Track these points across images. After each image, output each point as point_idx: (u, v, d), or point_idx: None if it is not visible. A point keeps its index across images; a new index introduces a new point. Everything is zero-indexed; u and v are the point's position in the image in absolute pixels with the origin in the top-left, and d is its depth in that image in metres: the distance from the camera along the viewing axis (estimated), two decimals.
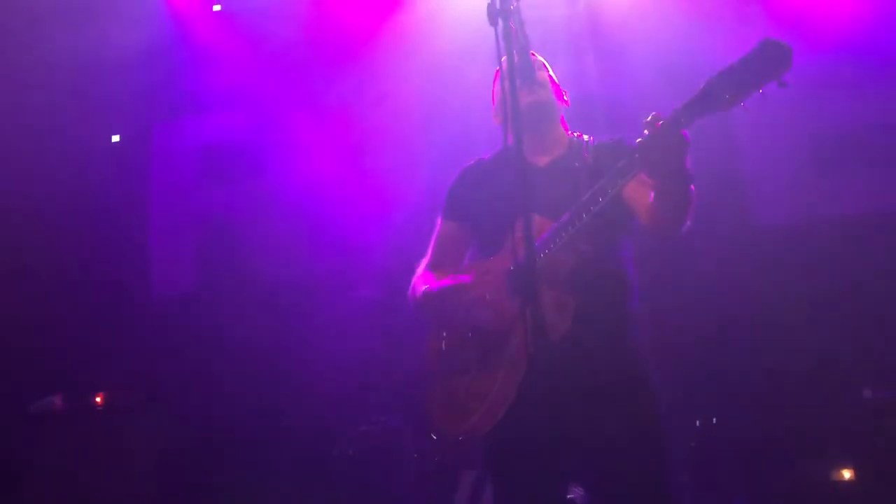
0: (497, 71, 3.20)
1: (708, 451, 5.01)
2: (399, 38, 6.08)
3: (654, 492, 2.64)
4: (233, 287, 6.53)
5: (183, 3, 6.57)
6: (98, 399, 5.93)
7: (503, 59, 2.24)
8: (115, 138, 6.84)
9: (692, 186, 2.57)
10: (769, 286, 5.23)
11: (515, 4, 2.36)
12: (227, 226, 6.71)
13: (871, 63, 5.50)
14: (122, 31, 5.96)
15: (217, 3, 6.72)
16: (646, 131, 2.44)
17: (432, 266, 3.17)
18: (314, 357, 6.05)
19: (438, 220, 3.25)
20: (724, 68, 2.34)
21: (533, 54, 3.09)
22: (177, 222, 6.79)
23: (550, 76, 3.16)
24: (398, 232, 6.31)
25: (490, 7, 2.34)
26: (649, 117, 2.44)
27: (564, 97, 3.18)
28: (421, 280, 3.11)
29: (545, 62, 3.22)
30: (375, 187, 6.41)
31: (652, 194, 2.64)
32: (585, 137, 3.12)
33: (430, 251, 3.23)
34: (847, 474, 4.71)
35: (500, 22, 2.33)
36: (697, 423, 5.03)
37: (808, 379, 5.06)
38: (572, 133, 3.16)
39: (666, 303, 5.25)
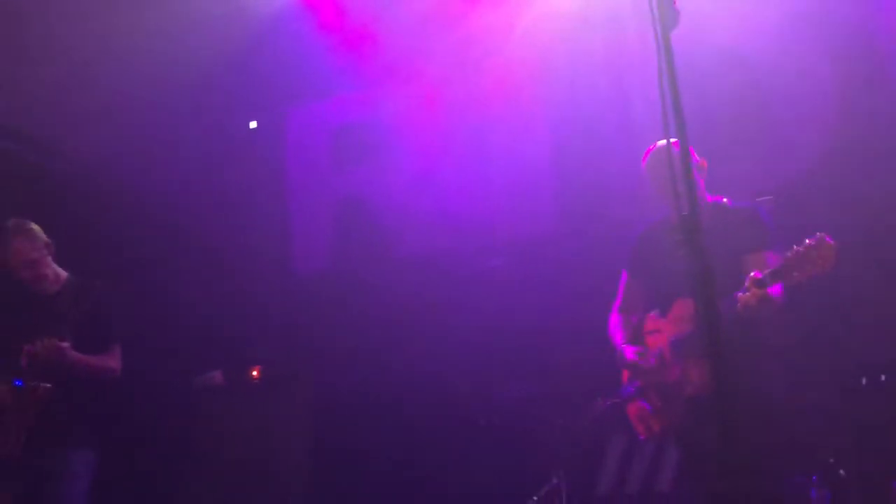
0: (649, 151, 3.74)
1: None
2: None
3: None
4: (369, 262, 6.75)
5: None
6: (255, 373, 6.33)
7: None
8: (253, 125, 7.16)
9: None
10: None
11: None
12: (360, 203, 6.92)
13: None
14: (258, 25, 6.19)
15: None
16: (749, 288, 3.22)
17: (621, 309, 4.04)
18: (451, 327, 6.21)
19: (623, 272, 4.04)
20: (796, 252, 3.13)
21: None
22: (313, 202, 7.05)
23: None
24: (523, 198, 6.37)
25: None
26: (749, 280, 3.23)
27: (701, 164, 3.62)
28: (616, 327, 3.97)
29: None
30: (499, 155, 6.48)
31: None
32: (724, 200, 3.68)
33: (618, 296, 4.06)
34: None
35: None
36: None
37: None
38: (712, 196, 3.69)
39: None
